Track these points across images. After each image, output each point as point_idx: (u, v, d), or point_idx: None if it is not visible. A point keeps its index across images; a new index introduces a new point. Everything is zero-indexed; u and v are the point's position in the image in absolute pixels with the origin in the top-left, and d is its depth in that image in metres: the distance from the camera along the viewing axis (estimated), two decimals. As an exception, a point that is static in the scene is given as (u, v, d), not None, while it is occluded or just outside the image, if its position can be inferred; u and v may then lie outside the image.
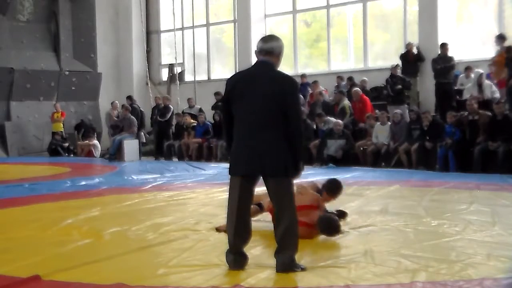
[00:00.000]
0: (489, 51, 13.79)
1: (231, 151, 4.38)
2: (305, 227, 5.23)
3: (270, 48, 4.30)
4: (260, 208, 5.67)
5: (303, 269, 4.24)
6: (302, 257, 4.60)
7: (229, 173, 4.36)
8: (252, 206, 5.48)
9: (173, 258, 4.69)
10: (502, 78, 12.42)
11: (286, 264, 4.21)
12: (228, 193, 4.39)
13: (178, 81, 20.11)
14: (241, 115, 4.28)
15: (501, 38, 12.66)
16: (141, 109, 17.66)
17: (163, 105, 17.37)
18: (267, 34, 18.59)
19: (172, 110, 17.26)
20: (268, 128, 4.17)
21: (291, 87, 4.24)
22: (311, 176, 10.61)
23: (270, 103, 4.15)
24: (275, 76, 4.26)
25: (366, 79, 15.17)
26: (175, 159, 16.04)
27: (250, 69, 4.40)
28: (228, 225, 4.39)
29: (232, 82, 4.37)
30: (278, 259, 4.25)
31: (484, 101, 12.22)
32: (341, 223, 5.75)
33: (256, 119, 4.19)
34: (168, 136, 16.86)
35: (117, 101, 18.57)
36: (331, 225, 5.29)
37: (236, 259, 4.33)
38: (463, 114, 11.80)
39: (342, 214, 6.01)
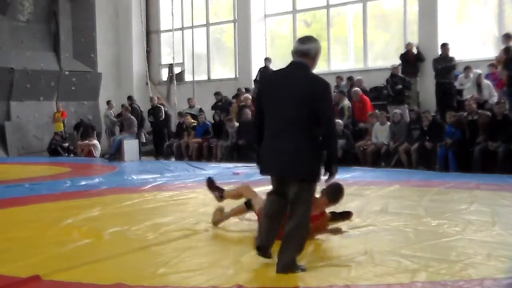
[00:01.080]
0: (489, 51, 13.80)
1: (259, 150, 4.40)
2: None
3: (307, 50, 4.27)
4: (247, 207, 5.65)
5: (303, 270, 4.24)
6: (302, 257, 4.60)
7: (260, 173, 4.46)
8: (240, 204, 5.54)
9: (173, 258, 4.69)
10: (502, 77, 12.42)
11: (285, 265, 4.21)
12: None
13: (175, 81, 20.09)
14: (270, 115, 4.27)
15: (507, 37, 12.68)
16: (141, 109, 17.67)
17: (151, 106, 17.38)
18: (266, 34, 18.74)
19: (162, 110, 17.24)
20: (295, 130, 4.14)
21: (323, 89, 4.21)
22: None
23: (300, 105, 4.12)
24: (307, 78, 4.22)
25: (361, 78, 15.14)
26: (172, 159, 16.04)
27: (284, 69, 4.37)
28: (260, 222, 4.51)
29: (265, 81, 4.48)
30: (279, 259, 4.25)
31: (484, 101, 12.22)
32: (345, 223, 5.77)
33: (284, 120, 4.17)
34: (163, 136, 16.85)
35: (112, 101, 18.61)
36: (337, 189, 5.46)
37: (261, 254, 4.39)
38: (463, 114, 11.81)
39: (347, 214, 6.00)
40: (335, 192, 5.53)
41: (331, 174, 4.25)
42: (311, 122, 4.12)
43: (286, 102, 4.16)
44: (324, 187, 5.71)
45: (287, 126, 4.15)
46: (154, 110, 17.17)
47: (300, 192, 4.20)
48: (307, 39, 4.34)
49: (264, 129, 4.30)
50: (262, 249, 4.36)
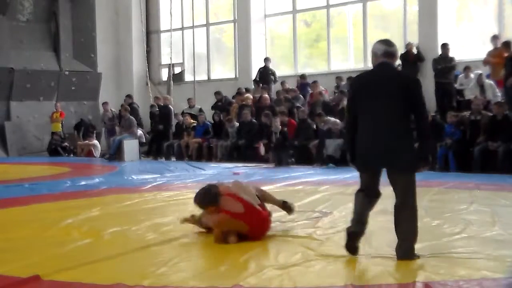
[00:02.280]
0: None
1: (356, 148, 4.61)
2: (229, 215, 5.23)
3: (394, 52, 4.72)
4: (192, 216, 5.61)
5: (418, 258, 4.48)
6: (301, 257, 4.60)
7: (357, 170, 4.68)
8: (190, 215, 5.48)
9: (173, 258, 4.69)
10: (500, 77, 12.43)
11: (407, 252, 4.46)
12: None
13: (172, 81, 20.09)
14: (367, 113, 4.54)
15: (495, 38, 12.76)
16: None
17: (163, 105, 17.44)
18: (266, 34, 18.72)
19: (172, 110, 17.32)
20: (394, 125, 4.47)
21: (416, 86, 4.59)
22: (310, 176, 10.64)
23: (396, 101, 4.46)
24: (400, 76, 4.72)
25: None
26: (173, 159, 16.05)
27: (375, 70, 4.71)
28: (353, 211, 4.74)
29: (360, 81, 4.75)
30: (399, 247, 4.50)
31: (487, 102, 12.24)
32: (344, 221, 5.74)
33: (384, 116, 4.46)
34: (167, 136, 16.87)
35: (109, 101, 18.63)
36: (201, 194, 5.43)
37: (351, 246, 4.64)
38: (465, 115, 11.81)
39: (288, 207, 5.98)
40: (204, 197, 5.43)
41: (427, 164, 4.63)
42: (406, 116, 4.48)
43: (384, 99, 4.48)
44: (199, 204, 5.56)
45: (386, 121, 4.47)
46: (164, 110, 17.20)
47: (408, 182, 4.51)
48: (391, 42, 4.74)
49: (360, 129, 4.58)
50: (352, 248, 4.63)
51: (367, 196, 4.64)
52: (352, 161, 4.75)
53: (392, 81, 4.54)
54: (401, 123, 4.46)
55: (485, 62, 12.90)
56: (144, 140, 17.23)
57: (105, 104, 18.47)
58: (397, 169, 4.48)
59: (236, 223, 5.17)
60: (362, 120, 4.57)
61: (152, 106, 18.28)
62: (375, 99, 4.50)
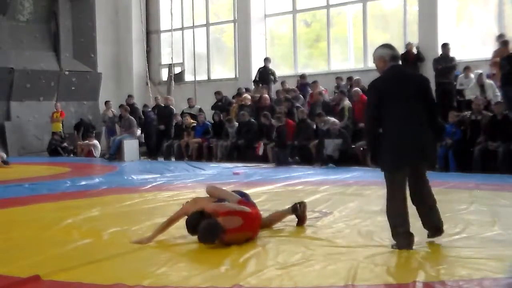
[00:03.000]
0: (489, 51, 13.81)
1: (388, 148, 4.77)
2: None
3: (399, 54, 5.09)
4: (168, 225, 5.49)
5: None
6: (301, 257, 4.60)
7: (390, 168, 4.78)
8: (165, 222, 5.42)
9: (173, 258, 4.69)
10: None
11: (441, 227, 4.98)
12: (388, 187, 4.83)
13: (173, 82, 20.09)
14: (395, 115, 4.74)
15: (500, 37, 12.73)
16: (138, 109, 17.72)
17: (164, 105, 17.47)
18: (266, 34, 18.73)
19: (174, 110, 17.35)
20: (421, 122, 4.76)
21: (429, 84, 4.98)
22: (310, 176, 10.64)
23: (418, 100, 4.76)
24: (415, 76, 5.13)
25: (359, 78, 15.10)
26: (172, 159, 16.06)
27: (390, 73, 4.87)
28: (397, 214, 4.83)
29: (380, 86, 4.85)
30: (435, 225, 4.99)
31: (488, 102, 12.24)
32: (344, 221, 5.71)
33: (411, 116, 4.73)
34: (169, 136, 16.89)
35: (111, 101, 18.63)
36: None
37: (411, 240, 4.81)
38: (466, 114, 11.80)
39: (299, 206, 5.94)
40: (211, 235, 5.05)
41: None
42: (425, 114, 4.77)
43: (407, 99, 4.74)
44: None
45: (415, 120, 4.74)
46: (166, 110, 17.20)
47: (426, 173, 4.91)
48: (392, 46, 5.01)
49: (390, 131, 4.78)
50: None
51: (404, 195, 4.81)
52: (375, 161, 4.98)
53: (410, 81, 4.84)
54: (424, 120, 4.74)
55: (492, 63, 12.84)
56: (144, 140, 17.23)
57: (107, 103, 18.47)
58: (429, 164, 4.82)
59: (241, 235, 5.16)
60: (391, 123, 4.76)
61: (144, 105, 18.22)
62: (399, 100, 4.72)
